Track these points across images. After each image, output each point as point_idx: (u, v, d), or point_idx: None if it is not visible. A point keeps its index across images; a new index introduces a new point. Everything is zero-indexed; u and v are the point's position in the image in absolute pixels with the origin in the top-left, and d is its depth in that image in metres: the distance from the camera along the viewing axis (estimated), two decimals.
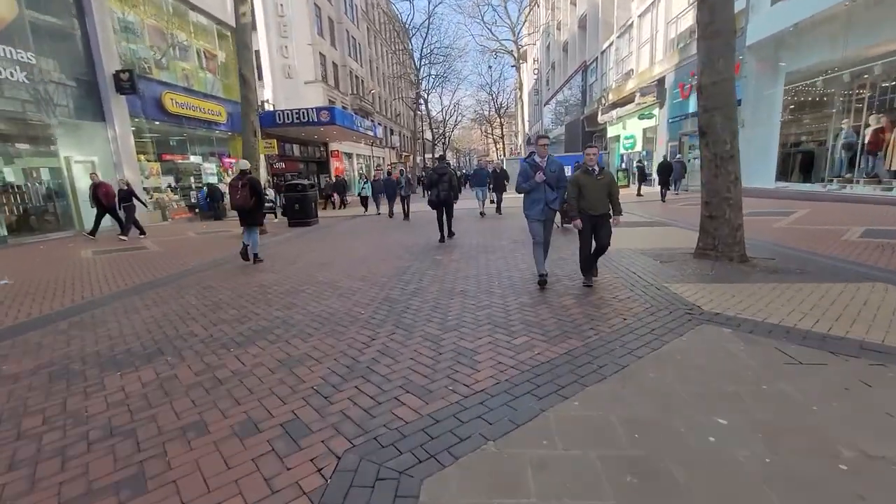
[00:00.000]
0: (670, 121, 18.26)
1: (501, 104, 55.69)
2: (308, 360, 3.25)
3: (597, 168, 4.98)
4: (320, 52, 30.02)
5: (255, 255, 7.15)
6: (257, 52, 24.15)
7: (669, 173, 16.09)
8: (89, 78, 11.86)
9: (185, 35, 16.56)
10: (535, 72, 52.89)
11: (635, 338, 3.33)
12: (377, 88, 43.16)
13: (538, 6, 29.94)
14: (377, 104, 42.61)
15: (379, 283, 5.56)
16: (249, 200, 6.74)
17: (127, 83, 12.07)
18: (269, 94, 23.89)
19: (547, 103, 47.08)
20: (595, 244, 4.98)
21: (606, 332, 3.49)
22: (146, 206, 10.55)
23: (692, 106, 16.47)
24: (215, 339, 3.81)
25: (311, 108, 20.32)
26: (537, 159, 5.13)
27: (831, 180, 11.85)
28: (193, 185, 16.12)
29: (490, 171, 14.52)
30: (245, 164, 7.12)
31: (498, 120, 55.92)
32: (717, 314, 3.72)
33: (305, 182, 12.97)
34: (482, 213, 13.21)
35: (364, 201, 15.93)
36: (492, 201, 14.42)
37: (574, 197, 4.94)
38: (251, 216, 6.91)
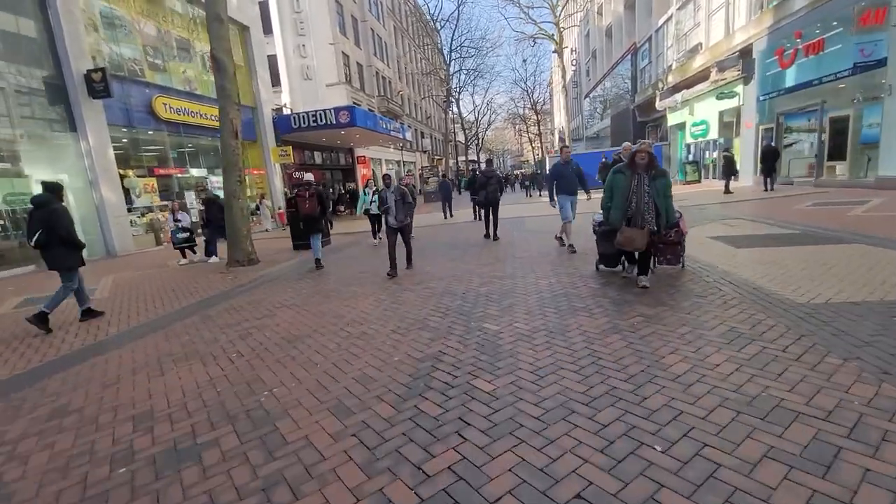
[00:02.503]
0: (762, 98, 14.66)
1: (537, 100, 52.33)
2: None
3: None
4: (343, 52, 28.04)
5: (318, 260, 7.49)
6: (273, 56, 22.40)
7: (776, 159, 12.70)
8: (55, 80, 9.94)
9: (187, 34, 14.70)
10: (574, 63, 49.15)
11: None
12: (406, 89, 41.01)
13: None
14: (406, 106, 40.44)
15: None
16: (316, 209, 7.38)
17: (100, 85, 10.08)
18: (286, 98, 22.00)
19: (587, 96, 43.37)
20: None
21: None
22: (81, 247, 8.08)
23: (795, 76, 12.91)
24: None
25: (330, 109, 18.11)
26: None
27: None
28: (195, 201, 14.11)
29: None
30: (310, 177, 7.95)
31: (534, 117, 52.52)
32: None
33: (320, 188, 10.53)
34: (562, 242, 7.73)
35: (373, 222, 9.93)
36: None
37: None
38: (317, 223, 7.51)
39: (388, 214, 6.33)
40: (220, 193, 15.32)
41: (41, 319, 4.84)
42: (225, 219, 8.23)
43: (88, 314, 5.35)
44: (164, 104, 12.75)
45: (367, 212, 9.73)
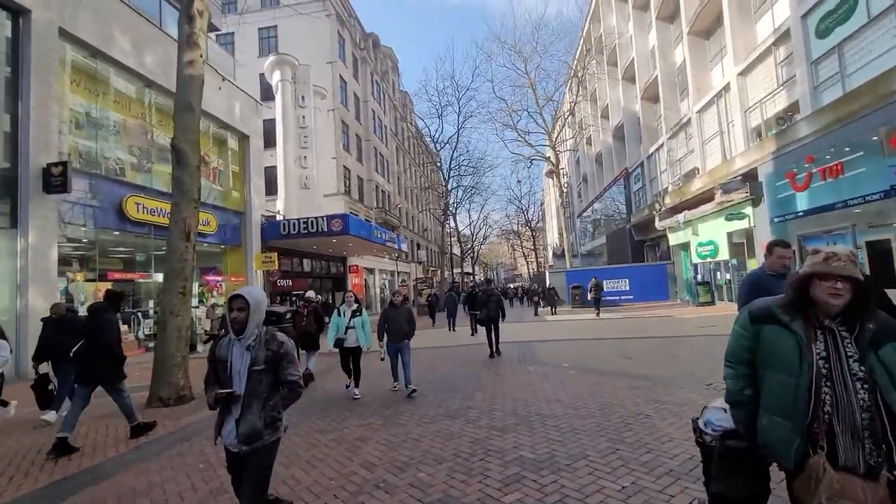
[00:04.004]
0: (776, 220, 13.96)
1: (531, 218, 53.91)
2: None
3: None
4: (344, 166, 28.77)
5: (310, 375, 7.35)
6: (272, 167, 22.53)
7: None
8: (7, 172, 8.82)
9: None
10: (566, 185, 51.71)
11: None
12: (404, 203, 41.97)
13: (573, 115, 28.48)
14: (404, 218, 40.95)
15: None
16: (313, 325, 7.71)
17: (58, 179, 8.95)
18: (280, 205, 21.47)
19: (579, 216, 44.58)
20: None
21: None
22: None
23: (813, 199, 12.29)
24: None
25: (322, 217, 17.31)
26: None
27: None
28: (151, 311, 12.21)
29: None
30: (312, 294, 8.46)
31: (529, 233, 53.56)
32: None
33: (279, 309, 8.79)
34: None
35: (347, 359, 6.41)
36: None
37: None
38: (313, 340, 7.73)
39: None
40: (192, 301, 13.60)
41: (138, 431, 4.85)
42: (157, 341, 6.33)
43: (61, 448, 4.34)
44: (137, 203, 11.65)
45: (339, 343, 6.22)
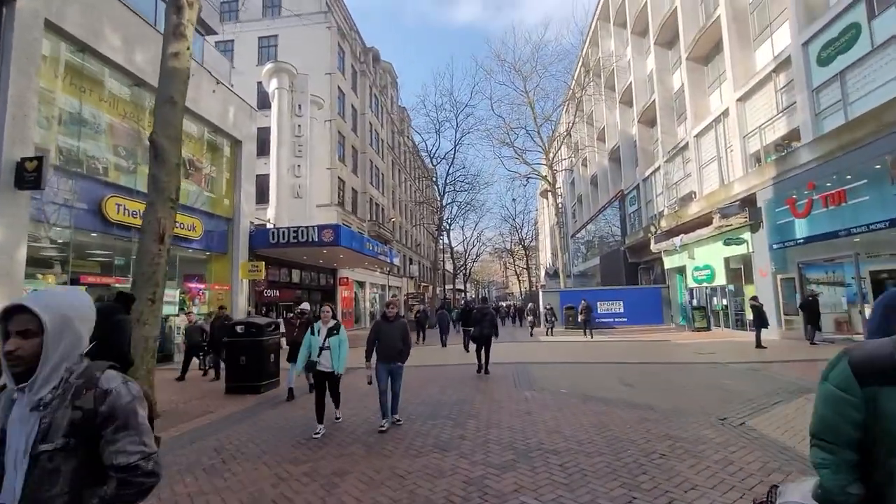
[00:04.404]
0: (775, 246, 13.75)
1: (525, 236, 53.81)
2: None
3: None
4: (339, 177, 28.43)
5: (291, 390, 7.28)
6: (265, 175, 22.11)
7: (817, 310, 11.27)
8: None
9: None
10: (561, 205, 51.80)
11: None
12: (398, 217, 41.62)
13: (570, 136, 28.54)
14: (397, 232, 40.54)
15: None
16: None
17: (31, 175, 8.42)
18: (270, 214, 20.96)
19: (573, 236, 44.52)
20: None
21: None
22: None
23: (814, 227, 12.10)
24: None
25: (313, 227, 16.82)
26: None
27: None
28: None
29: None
30: (306, 306, 8.52)
31: (522, 252, 53.35)
32: None
33: (260, 320, 8.24)
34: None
35: (321, 386, 5.36)
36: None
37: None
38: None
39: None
40: (172, 310, 12.96)
41: None
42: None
43: None
44: (119, 205, 11.12)
45: (312, 367, 5.25)
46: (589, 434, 4.59)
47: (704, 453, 3.87)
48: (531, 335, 19.58)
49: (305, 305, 8.61)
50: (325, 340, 5.23)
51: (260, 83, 24.26)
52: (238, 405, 6.73)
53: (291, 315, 8.04)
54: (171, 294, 13.56)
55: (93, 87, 11.14)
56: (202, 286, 15.31)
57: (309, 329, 5.37)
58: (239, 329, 8.08)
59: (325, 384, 5.28)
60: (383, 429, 5.05)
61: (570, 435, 4.56)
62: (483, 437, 4.60)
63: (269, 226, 19.04)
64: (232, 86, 17.53)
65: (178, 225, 13.39)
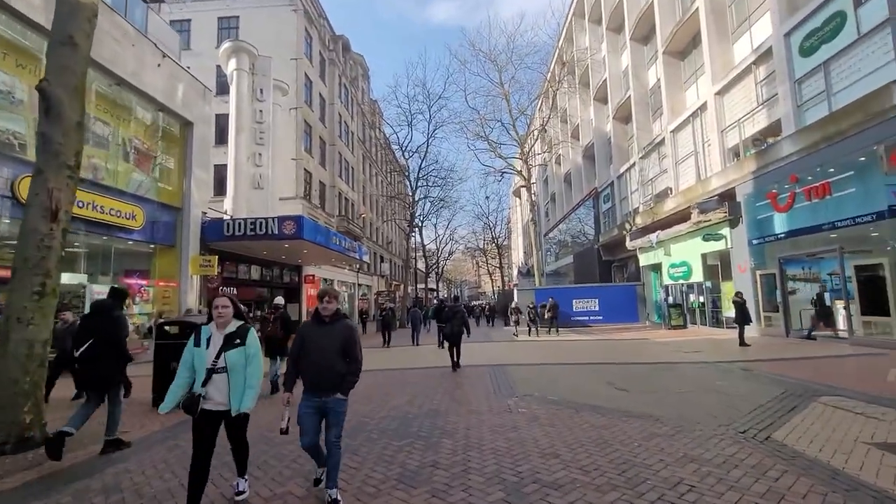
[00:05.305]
0: (755, 242, 13.46)
1: (498, 235, 53.33)
2: None
3: None
4: (306, 169, 26.92)
5: (275, 383, 7.30)
6: (223, 166, 20.49)
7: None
8: None
9: (108, 118, 12.28)
10: (535, 202, 51.56)
11: None
12: (369, 213, 40.21)
13: (544, 131, 28.03)
14: (368, 230, 39.14)
15: None
16: (279, 332, 7.53)
17: None
18: (228, 205, 19.37)
19: (546, 235, 44.31)
20: None
21: None
22: None
23: (796, 220, 11.78)
24: None
25: (273, 218, 15.46)
26: None
27: None
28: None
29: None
30: (280, 301, 8.51)
31: (495, 250, 52.88)
32: None
33: (197, 320, 7.01)
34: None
35: (207, 438, 3.02)
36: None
37: None
38: (278, 346, 7.56)
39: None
40: None
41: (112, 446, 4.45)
42: None
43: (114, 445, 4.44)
44: None
45: (191, 406, 2.92)
46: (592, 457, 3.70)
47: (742, 483, 3.05)
48: (515, 335, 18.30)
49: (280, 300, 8.49)
50: (217, 357, 2.97)
51: (219, 67, 22.52)
52: (160, 422, 5.53)
53: (265, 312, 7.58)
54: (102, 290, 11.97)
55: (4, 48, 9.54)
56: (144, 282, 13.71)
57: (192, 337, 3.09)
58: (169, 329, 6.84)
59: (212, 434, 3.00)
60: (319, 480, 3.34)
61: (570, 459, 3.66)
62: (462, 465, 3.64)
63: (225, 217, 17.49)
64: (188, 68, 15.94)
65: (115, 213, 12.00)
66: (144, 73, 13.06)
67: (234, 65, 19.89)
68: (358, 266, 31.86)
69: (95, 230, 11.53)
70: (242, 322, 3.18)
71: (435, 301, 39.54)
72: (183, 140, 15.03)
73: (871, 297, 10.05)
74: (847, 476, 3.15)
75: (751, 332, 12.73)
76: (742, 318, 11.40)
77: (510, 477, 3.34)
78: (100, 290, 11.72)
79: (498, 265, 54.73)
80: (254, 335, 3.17)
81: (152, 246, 14.09)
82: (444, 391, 6.87)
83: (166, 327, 6.94)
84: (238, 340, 3.05)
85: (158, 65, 13.64)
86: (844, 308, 10.75)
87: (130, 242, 13.11)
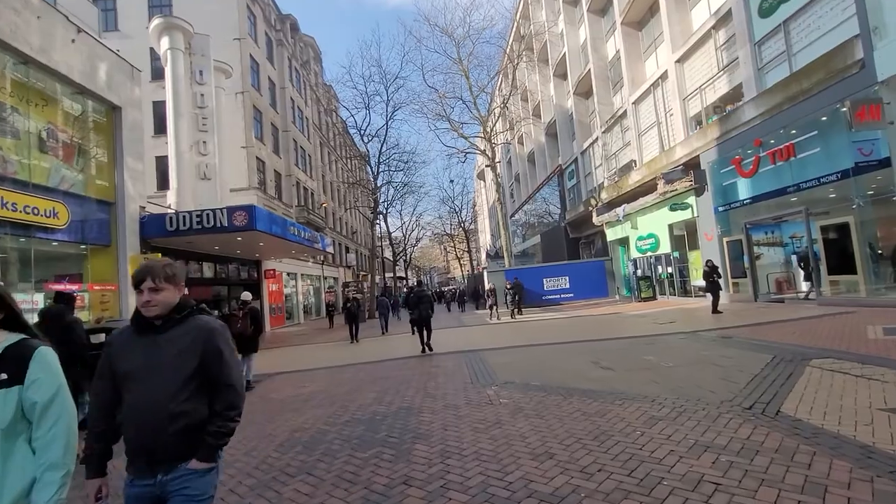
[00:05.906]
0: (720, 209, 13.46)
1: (464, 219, 52.83)
2: None
3: None
4: (258, 158, 25.28)
5: (249, 382, 7.13)
6: (165, 157, 18.79)
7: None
8: None
9: (17, 102, 10.67)
10: (499, 184, 51.23)
11: None
12: (331, 203, 38.67)
13: (506, 108, 27.47)
14: (331, 220, 37.67)
15: None
16: (249, 328, 7.39)
17: None
18: (171, 199, 17.80)
19: (513, 215, 44.19)
20: None
21: None
22: None
23: (761, 185, 11.77)
24: None
25: (222, 209, 14.19)
26: None
27: None
28: None
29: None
30: (248, 296, 8.19)
31: (462, 234, 52.43)
32: None
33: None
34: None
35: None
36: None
37: None
38: (249, 343, 7.44)
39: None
40: None
41: None
42: None
43: None
44: None
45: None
46: (593, 453, 3.16)
47: (773, 474, 2.57)
48: (491, 318, 17.50)
49: (247, 295, 8.30)
50: None
51: (153, 50, 20.51)
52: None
53: (232, 309, 8.31)
54: (25, 299, 10.54)
55: None
56: (75, 287, 12.26)
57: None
58: (95, 339, 5.85)
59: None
60: None
61: (567, 459, 3.10)
62: (439, 478, 3.01)
63: (168, 212, 16.00)
64: (118, 51, 14.21)
65: (31, 211, 10.50)
66: (54, 50, 11.41)
67: (166, 44, 18.07)
68: (322, 258, 30.63)
69: (11, 231, 10.07)
70: (23, 338, 1.52)
71: (404, 290, 38.81)
72: (111, 127, 13.44)
73: (839, 257, 10.14)
74: (883, 453, 2.74)
75: (720, 298, 12.78)
76: (714, 286, 11.33)
77: (499, 491, 2.73)
78: (23, 299, 10.31)
79: (466, 249, 54.35)
80: (47, 363, 1.50)
81: (84, 246, 12.59)
82: (417, 384, 6.24)
83: (91, 336, 5.94)
84: (14, 376, 1.43)
85: (73, 40, 11.99)
86: (812, 269, 10.83)
87: (55, 244, 11.61)
